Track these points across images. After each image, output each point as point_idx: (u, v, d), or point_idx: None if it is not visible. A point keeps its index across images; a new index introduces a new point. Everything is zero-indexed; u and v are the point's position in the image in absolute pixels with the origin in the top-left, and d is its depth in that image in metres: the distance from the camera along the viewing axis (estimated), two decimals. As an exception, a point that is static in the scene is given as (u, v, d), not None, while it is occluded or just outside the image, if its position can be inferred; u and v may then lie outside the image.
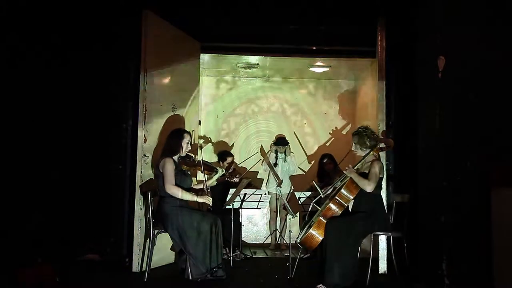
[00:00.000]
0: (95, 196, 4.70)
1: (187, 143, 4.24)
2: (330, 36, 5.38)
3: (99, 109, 4.79)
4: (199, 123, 6.23)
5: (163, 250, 4.62)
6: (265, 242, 6.42)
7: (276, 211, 6.26)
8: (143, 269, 4.30)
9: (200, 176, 4.43)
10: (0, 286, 3.70)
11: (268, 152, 6.36)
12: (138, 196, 4.42)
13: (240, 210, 5.22)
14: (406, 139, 4.64)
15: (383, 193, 4.40)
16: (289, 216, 5.33)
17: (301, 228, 4.35)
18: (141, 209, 4.43)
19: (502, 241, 2.97)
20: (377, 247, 4.49)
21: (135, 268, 4.38)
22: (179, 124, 4.87)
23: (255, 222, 6.80)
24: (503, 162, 3.00)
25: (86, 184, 4.69)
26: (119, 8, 4.80)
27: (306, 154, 7.00)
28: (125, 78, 4.81)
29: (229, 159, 5.80)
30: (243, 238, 5.81)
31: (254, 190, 4.96)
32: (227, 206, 4.87)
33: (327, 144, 7.03)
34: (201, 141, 6.55)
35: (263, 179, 6.47)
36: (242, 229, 5.75)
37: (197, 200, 4.13)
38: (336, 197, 3.98)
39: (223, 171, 4.66)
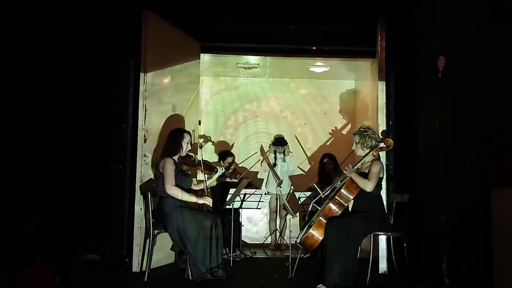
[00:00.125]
0: (95, 196, 4.70)
1: (187, 143, 4.24)
2: (330, 36, 5.38)
3: (99, 109, 4.79)
4: (199, 123, 6.23)
5: (163, 250, 4.62)
6: (265, 242, 6.42)
7: (276, 211, 6.27)
8: (143, 269, 4.30)
9: (200, 175, 4.43)
10: (0, 286, 3.70)
11: (267, 152, 6.36)
12: (138, 196, 4.42)
13: (240, 210, 5.22)
14: (406, 139, 4.64)
15: (383, 193, 4.40)
16: (289, 216, 5.34)
17: (301, 228, 4.35)
18: (141, 209, 4.43)
19: (502, 241, 2.97)
20: (377, 247, 4.49)
21: (135, 268, 4.38)
22: (179, 124, 4.87)
23: (255, 222, 6.80)
24: (503, 162, 3.01)
25: (86, 184, 4.70)
26: (119, 8, 4.80)
27: (306, 154, 7.00)
28: (125, 78, 4.81)
29: (229, 159, 5.81)
30: (243, 238, 5.81)
31: (254, 190, 4.96)
32: (227, 206, 4.87)
33: (328, 144, 7.02)
34: (201, 140, 6.55)
35: (263, 179, 6.47)
36: (242, 229, 5.75)
37: (197, 201, 4.13)
38: (336, 197, 3.99)
39: (223, 169, 4.65)
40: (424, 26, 4.09)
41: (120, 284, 4.10)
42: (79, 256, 4.62)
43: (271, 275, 4.36)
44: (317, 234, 3.92)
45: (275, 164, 6.19)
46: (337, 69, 6.63)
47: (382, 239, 4.52)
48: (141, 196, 4.40)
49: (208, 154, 6.55)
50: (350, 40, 5.40)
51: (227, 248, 4.91)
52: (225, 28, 5.35)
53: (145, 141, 4.50)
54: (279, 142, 6.24)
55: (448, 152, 3.62)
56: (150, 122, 4.57)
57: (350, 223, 3.87)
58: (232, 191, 4.74)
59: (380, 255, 4.53)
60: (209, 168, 4.44)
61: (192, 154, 4.40)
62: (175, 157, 4.18)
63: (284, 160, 6.20)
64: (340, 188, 4.01)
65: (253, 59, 6.20)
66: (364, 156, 4.04)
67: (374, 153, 4.06)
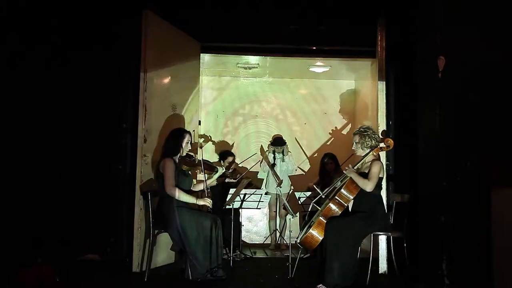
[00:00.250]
0: (95, 196, 4.69)
1: (187, 142, 4.24)
2: (330, 36, 5.37)
3: (99, 109, 4.79)
4: (199, 123, 6.23)
5: (163, 250, 4.62)
6: (265, 242, 6.42)
7: (276, 211, 6.27)
8: (143, 269, 4.30)
9: (201, 175, 4.43)
10: (0, 286, 3.70)
11: (266, 152, 6.36)
12: (138, 196, 4.42)
13: (240, 210, 5.22)
14: (406, 139, 4.64)
15: (383, 193, 4.40)
16: (288, 216, 5.34)
17: (301, 228, 4.35)
18: (141, 209, 4.43)
19: (502, 241, 2.97)
20: (377, 247, 4.49)
21: (135, 268, 4.38)
22: (179, 124, 4.87)
23: (255, 222, 6.80)
24: (503, 162, 3.00)
25: (86, 184, 4.69)
26: (119, 8, 4.80)
27: (306, 154, 7.00)
28: (125, 78, 4.81)
29: (229, 159, 5.81)
30: (243, 238, 5.81)
31: (254, 190, 4.96)
32: (227, 206, 4.87)
33: (328, 144, 7.02)
34: (201, 140, 6.55)
35: (263, 179, 6.47)
36: (242, 229, 5.76)
37: (197, 203, 4.12)
38: (336, 197, 3.99)
39: (223, 169, 4.65)
40: (424, 26, 4.09)
41: (120, 284, 4.10)
42: (79, 256, 4.62)
43: (271, 275, 4.36)
44: (317, 234, 3.92)
45: (274, 164, 6.19)
46: (337, 69, 6.63)
47: (382, 239, 4.52)
48: (141, 196, 4.39)
49: (208, 154, 6.55)
50: (350, 40, 5.39)
51: (227, 248, 4.91)
52: (225, 28, 5.35)
53: (145, 141, 4.50)
54: (278, 142, 6.23)
55: (448, 152, 3.62)
56: (150, 122, 4.58)
57: (350, 223, 3.87)
58: (232, 191, 4.74)
59: (380, 255, 4.53)
60: (210, 168, 4.43)
61: (192, 154, 4.40)
62: (175, 157, 4.18)
63: (283, 160, 6.20)
64: (340, 188, 4.01)
65: (253, 59, 6.20)
66: (364, 156, 4.04)
67: (374, 153, 4.06)
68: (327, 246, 3.81)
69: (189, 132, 4.34)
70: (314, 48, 5.58)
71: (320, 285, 3.75)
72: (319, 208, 4.15)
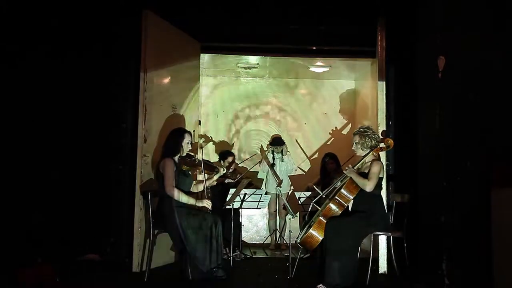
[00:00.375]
0: (95, 196, 4.69)
1: (188, 143, 4.24)
2: (330, 36, 5.37)
3: (99, 109, 4.79)
4: (199, 123, 6.22)
5: (163, 250, 4.62)
6: (265, 242, 6.42)
7: (276, 211, 6.26)
8: (143, 269, 4.29)
9: (201, 176, 4.43)
10: (0, 286, 3.70)
11: (265, 151, 6.36)
12: (138, 196, 4.42)
13: (240, 210, 5.22)
14: (406, 139, 4.64)
15: (383, 193, 4.40)
16: (288, 216, 5.33)
17: (301, 228, 4.35)
18: (141, 209, 4.43)
19: (502, 241, 2.97)
20: (377, 247, 4.49)
21: (135, 268, 4.38)
22: (179, 124, 4.87)
23: (255, 222, 6.80)
24: (503, 162, 3.00)
25: (86, 184, 4.69)
26: (119, 8, 4.80)
27: (306, 154, 7.00)
28: (125, 78, 4.81)
29: (229, 159, 5.81)
30: (243, 238, 5.81)
31: (254, 190, 4.96)
32: (227, 206, 4.87)
33: (328, 144, 7.03)
34: (202, 140, 6.54)
35: (263, 179, 6.46)
36: (242, 229, 5.75)
37: (196, 204, 4.11)
38: (336, 197, 3.99)
39: (223, 169, 4.65)
40: (424, 26, 4.09)
41: (120, 284, 4.10)
42: (79, 256, 4.62)
43: (271, 275, 4.36)
44: (317, 234, 3.92)
45: (273, 164, 6.19)
46: (337, 69, 6.63)
47: (382, 239, 4.52)
48: (141, 196, 4.39)
49: (208, 154, 6.55)
50: (350, 40, 5.39)
51: (227, 248, 4.91)
52: (225, 28, 5.35)
53: (145, 141, 4.50)
54: (277, 142, 6.23)
55: (448, 152, 3.62)
56: (150, 122, 4.58)
57: (350, 223, 3.87)
58: (232, 191, 4.74)
59: (380, 255, 4.53)
60: (210, 168, 4.44)
61: (192, 154, 4.40)
62: (175, 157, 4.18)
63: (282, 160, 6.20)
64: (340, 188, 4.01)
65: (253, 59, 6.20)
66: (364, 156, 4.04)
67: (374, 153, 4.06)
68: (327, 246, 3.81)
69: (189, 132, 4.33)
70: (314, 48, 5.58)
71: (320, 285, 3.75)
72: (319, 208, 4.15)
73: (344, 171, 4.09)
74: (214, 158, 6.38)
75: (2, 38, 4.39)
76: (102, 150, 4.76)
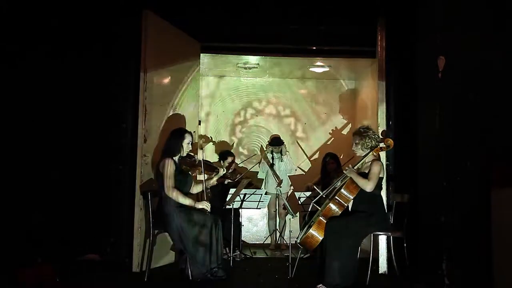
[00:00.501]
0: (95, 196, 4.69)
1: (188, 143, 4.23)
2: (330, 36, 5.37)
3: (99, 109, 4.79)
4: (199, 123, 6.23)
5: (163, 250, 4.62)
6: (265, 242, 6.42)
7: (276, 211, 6.26)
8: (143, 269, 4.30)
9: (201, 176, 4.43)
10: (0, 286, 3.70)
11: (264, 151, 6.35)
12: (138, 196, 4.42)
13: (240, 210, 5.22)
14: (406, 139, 4.64)
15: (383, 193, 4.40)
16: (288, 216, 5.33)
17: (301, 228, 4.35)
18: (141, 209, 4.43)
19: (502, 241, 2.97)
20: (377, 247, 4.49)
21: (135, 268, 4.38)
22: (180, 124, 4.87)
23: (255, 222, 6.80)
24: (503, 162, 3.00)
25: (86, 184, 4.69)
26: (119, 8, 4.80)
27: (306, 154, 7.00)
28: (125, 78, 4.81)
29: (229, 159, 5.80)
30: (243, 238, 5.81)
31: (254, 190, 4.96)
32: (227, 206, 4.87)
33: (328, 143, 7.03)
34: (202, 141, 6.55)
35: (263, 179, 6.46)
36: (242, 229, 5.75)
37: (195, 206, 4.09)
38: (336, 197, 3.99)
39: (223, 170, 4.65)
40: (424, 26, 4.09)
41: (120, 284, 4.10)
42: (79, 256, 4.62)
43: (271, 275, 4.36)
44: (317, 234, 3.92)
45: (273, 164, 6.19)
46: (337, 69, 6.63)
47: (382, 239, 4.52)
48: (141, 196, 4.39)
49: (208, 154, 6.54)
50: (350, 40, 5.39)
51: (227, 248, 4.91)
52: (225, 28, 5.35)
53: (145, 141, 4.50)
54: (276, 142, 6.23)
55: (448, 152, 3.62)
56: (150, 122, 4.58)
57: (350, 223, 3.87)
58: (232, 191, 4.74)
59: (380, 255, 4.53)
60: (210, 168, 4.43)
61: (192, 154, 4.40)
62: (176, 158, 4.18)
63: (281, 160, 6.19)
64: (340, 188, 4.01)
65: (253, 59, 6.20)
66: (364, 156, 4.04)
67: (374, 153, 4.06)
68: (327, 246, 3.81)
69: (190, 133, 4.33)
70: (314, 48, 5.58)
71: (320, 285, 3.75)
72: (319, 208, 4.15)
73: (344, 171, 4.09)
74: (214, 158, 6.38)
75: (2, 38, 4.39)
76: (102, 150, 4.76)
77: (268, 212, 6.37)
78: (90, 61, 4.77)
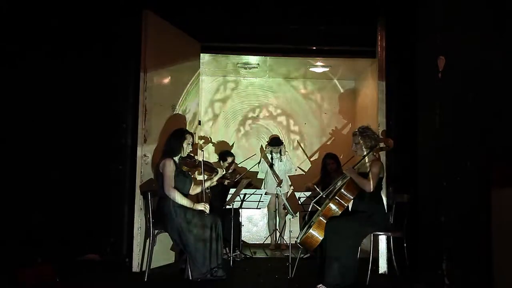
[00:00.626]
0: (95, 196, 4.70)
1: (188, 144, 4.23)
2: (330, 36, 5.37)
3: (99, 109, 4.79)
4: (199, 123, 6.22)
5: (163, 250, 4.62)
6: (265, 242, 6.42)
7: (276, 211, 6.26)
8: (143, 269, 4.30)
9: (200, 176, 4.43)
10: (0, 286, 3.70)
11: (264, 151, 6.35)
12: (138, 196, 4.42)
13: (240, 210, 5.22)
14: (406, 139, 4.64)
15: (383, 193, 4.40)
16: (288, 216, 5.33)
17: (301, 228, 4.35)
18: (141, 209, 4.43)
19: (502, 241, 2.97)
20: (377, 247, 4.49)
21: (135, 268, 4.38)
22: (180, 124, 4.86)
23: (255, 222, 6.80)
24: (503, 162, 3.00)
25: (86, 184, 4.69)
26: (119, 8, 4.80)
27: (306, 154, 7.00)
28: (125, 78, 4.81)
29: (229, 159, 5.80)
30: (243, 238, 5.81)
31: (254, 190, 4.96)
32: (227, 206, 4.87)
33: (328, 144, 7.03)
34: (201, 141, 6.55)
35: (263, 179, 6.46)
36: (242, 229, 5.75)
37: (194, 207, 4.08)
38: (336, 197, 3.98)
39: (223, 171, 4.64)
40: (424, 26, 4.09)
41: (120, 284, 4.10)
42: (79, 256, 4.62)
43: (271, 275, 4.36)
44: (317, 234, 3.92)
45: (272, 164, 6.19)
46: (337, 69, 6.63)
47: (382, 239, 4.52)
48: (141, 196, 4.39)
49: (208, 154, 6.54)
50: (350, 40, 5.40)
51: (227, 248, 4.91)
52: (225, 28, 5.35)
53: (145, 141, 4.50)
54: (275, 142, 6.22)
55: (448, 152, 3.62)
56: (150, 122, 4.57)
57: (350, 223, 3.87)
58: (232, 191, 4.74)
59: (380, 255, 4.53)
60: (210, 169, 4.44)
61: (192, 155, 4.40)
62: (176, 158, 4.18)
63: (281, 160, 6.19)
64: (340, 188, 4.01)
65: (253, 59, 6.20)
66: (364, 156, 4.04)
67: (374, 153, 4.06)
68: (327, 246, 3.81)
69: (190, 133, 4.33)
70: (314, 48, 5.58)
71: (320, 285, 3.75)
72: (319, 208, 4.15)
73: (344, 171, 4.09)
74: (213, 158, 6.38)
75: (2, 38, 4.39)
76: (102, 150, 4.76)
77: (268, 212, 6.37)
78: (90, 61, 4.77)
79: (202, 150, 4.40)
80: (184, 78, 5.21)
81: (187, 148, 4.22)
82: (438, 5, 3.83)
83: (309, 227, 4.00)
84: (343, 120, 7.14)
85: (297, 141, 7.08)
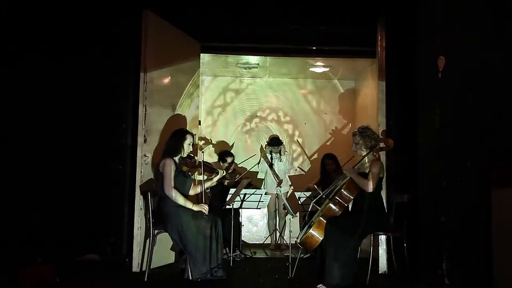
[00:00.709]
0: (95, 196, 4.70)
1: (189, 144, 4.23)
2: (330, 36, 5.38)
3: (99, 109, 4.79)
4: (199, 123, 6.23)
5: (163, 250, 4.62)
6: (265, 242, 6.42)
7: (276, 211, 6.26)
8: (143, 269, 4.29)
9: (200, 177, 4.43)
10: (0, 286, 3.70)
11: (264, 151, 6.36)
12: (138, 196, 4.42)
13: (240, 210, 5.22)
14: (406, 139, 4.64)
15: (383, 193, 4.39)
16: (288, 217, 5.33)
17: (301, 228, 4.35)
18: (141, 209, 4.43)
19: (502, 241, 2.97)
20: (377, 247, 4.49)
21: (135, 268, 4.38)
22: (180, 124, 4.86)
23: (255, 222, 6.80)
24: (503, 162, 3.00)
25: (86, 184, 4.69)
26: (119, 8, 4.80)
27: (306, 154, 7.00)
28: (125, 78, 4.81)
29: (229, 159, 5.80)
30: (243, 238, 5.81)
31: (254, 190, 4.96)
32: (227, 206, 4.87)
33: (328, 144, 7.03)
34: (201, 142, 6.55)
35: (263, 179, 6.46)
36: (242, 229, 5.75)
37: (193, 208, 4.07)
38: (336, 197, 3.98)
39: (223, 172, 4.64)
40: (424, 26, 4.09)
41: (120, 284, 4.10)
42: (79, 256, 4.62)
43: (271, 275, 4.36)
44: (317, 234, 3.92)
45: (272, 164, 6.19)
46: (337, 69, 6.63)
47: (382, 239, 4.52)
48: (141, 196, 4.39)
49: (207, 154, 6.54)
50: (350, 40, 5.40)
51: (227, 248, 4.91)
52: (225, 28, 5.35)
53: (145, 141, 4.50)
54: (274, 142, 6.23)
55: (448, 152, 3.62)
56: (150, 122, 4.57)
57: (350, 223, 3.87)
58: (232, 191, 4.74)
59: (380, 255, 4.53)
60: (210, 170, 4.43)
61: (192, 155, 4.40)
62: (176, 158, 4.18)
63: (280, 160, 6.19)
64: (341, 188, 4.01)
65: (253, 59, 6.20)
66: (364, 156, 4.04)
67: (374, 153, 4.06)
68: (327, 246, 3.81)
69: (191, 134, 4.33)
70: (314, 48, 5.58)
71: (320, 285, 3.75)
72: (319, 208, 4.15)
73: (344, 171, 4.08)
74: (213, 158, 6.38)
75: (2, 38, 4.39)
76: (102, 150, 4.76)
77: (268, 212, 6.37)
78: (90, 61, 4.77)
79: (202, 152, 4.39)
80: (184, 78, 5.21)
81: (187, 149, 4.22)
82: (438, 5, 3.83)
83: (309, 227, 4.00)
84: (343, 120, 7.14)
85: (297, 140, 7.07)
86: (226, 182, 5.47)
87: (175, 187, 4.04)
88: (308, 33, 5.40)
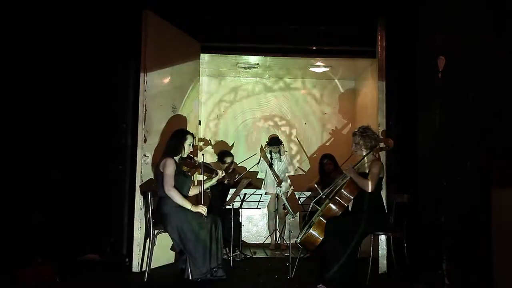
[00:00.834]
0: (95, 196, 4.70)
1: (189, 144, 4.23)
2: (330, 36, 5.38)
3: (99, 109, 4.79)
4: (199, 123, 6.22)
5: (163, 250, 4.62)
6: (265, 242, 6.42)
7: (276, 211, 6.26)
8: (143, 269, 4.29)
9: (200, 177, 4.43)
10: (0, 286, 3.70)
11: (265, 150, 6.35)
12: (138, 196, 4.42)
13: (240, 210, 5.22)
14: (406, 139, 4.64)
15: (383, 193, 4.40)
16: (288, 217, 5.33)
17: (301, 228, 4.35)
18: (141, 209, 4.43)
19: (502, 241, 2.97)
20: (377, 247, 4.49)
21: (135, 268, 4.38)
22: (180, 124, 4.87)
23: (255, 222, 6.80)
24: (503, 162, 3.00)
25: (86, 184, 4.69)
26: (119, 8, 4.80)
27: (306, 154, 7.00)
28: (125, 78, 4.81)
29: (228, 159, 5.80)
30: (243, 238, 5.81)
31: (254, 190, 4.96)
32: (227, 206, 4.87)
33: (328, 144, 7.03)
34: (201, 143, 6.55)
35: (263, 179, 6.46)
36: (242, 229, 5.75)
37: (192, 209, 4.06)
38: (336, 197, 3.99)
39: (223, 173, 4.63)
40: (424, 26, 4.09)
41: (120, 284, 4.10)
42: (79, 256, 4.62)
43: (271, 275, 4.35)
44: (317, 234, 3.92)
45: (271, 164, 6.19)
46: (337, 69, 6.63)
47: (382, 239, 4.52)
48: (141, 196, 4.39)
49: (207, 154, 6.54)
50: (350, 40, 5.40)
51: (227, 248, 4.91)
52: (225, 28, 5.35)
53: (145, 141, 4.50)
54: (274, 142, 6.23)
55: (448, 152, 3.62)
56: (150, 122, 4.58)
57: (350, 223, 3.87)
58: (232, 191, 4.74)
59: (380, 255, 4.53)
60: (209, 170, 4.43)
61: (192, 155, 4.40)
62: (176, 158, 4.18)
63: (280, 160, 6.19)
64: (340, 188, 4.01)
65: (253, 59, 6.20)
66: (364, 156, 4.04)
67: (374, 153, 4.06)
68: (327, 246, 3.81)
69: (191, 134, 4.34)
70: (314, 48, 5.58)
71: (320, 285, 3.75)
72: (319, 208, 4.15)
73: (344, 171, 4.09)
74: (213, 158, 6.38)
75: (2, 38, 4.39)
76: (102, 150, 4.76)
77: (268, 212, 6.37)
78: (90, 61, 4.77)
79: (203, 154, 4.40)
80: (184, 78, 5.21)
81: (187, 149, 4.22)
82: (438, 5, 3.83)
83: (309, 227, 4.01)
84: (343, 120, 7.14)
85: (298, 141, 7.07)
86: (226, 181, 5.46)
87: (174, 187, 4.04)
88: (308, 33, 5.40)
